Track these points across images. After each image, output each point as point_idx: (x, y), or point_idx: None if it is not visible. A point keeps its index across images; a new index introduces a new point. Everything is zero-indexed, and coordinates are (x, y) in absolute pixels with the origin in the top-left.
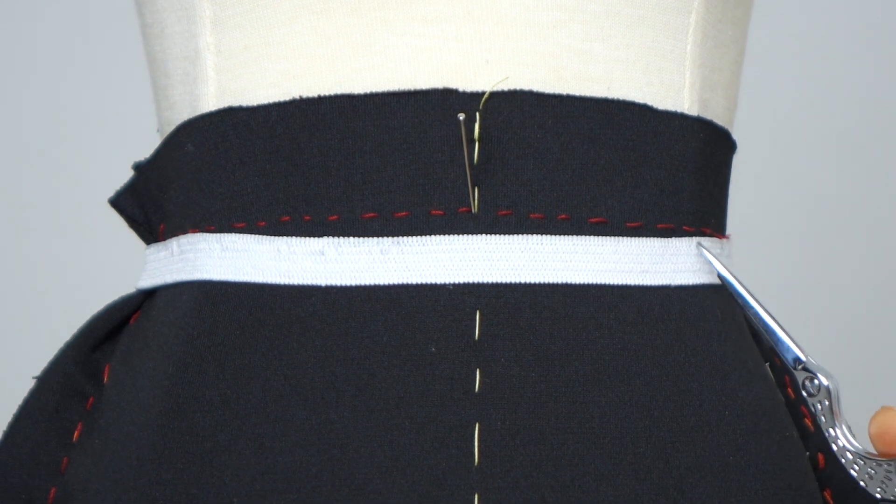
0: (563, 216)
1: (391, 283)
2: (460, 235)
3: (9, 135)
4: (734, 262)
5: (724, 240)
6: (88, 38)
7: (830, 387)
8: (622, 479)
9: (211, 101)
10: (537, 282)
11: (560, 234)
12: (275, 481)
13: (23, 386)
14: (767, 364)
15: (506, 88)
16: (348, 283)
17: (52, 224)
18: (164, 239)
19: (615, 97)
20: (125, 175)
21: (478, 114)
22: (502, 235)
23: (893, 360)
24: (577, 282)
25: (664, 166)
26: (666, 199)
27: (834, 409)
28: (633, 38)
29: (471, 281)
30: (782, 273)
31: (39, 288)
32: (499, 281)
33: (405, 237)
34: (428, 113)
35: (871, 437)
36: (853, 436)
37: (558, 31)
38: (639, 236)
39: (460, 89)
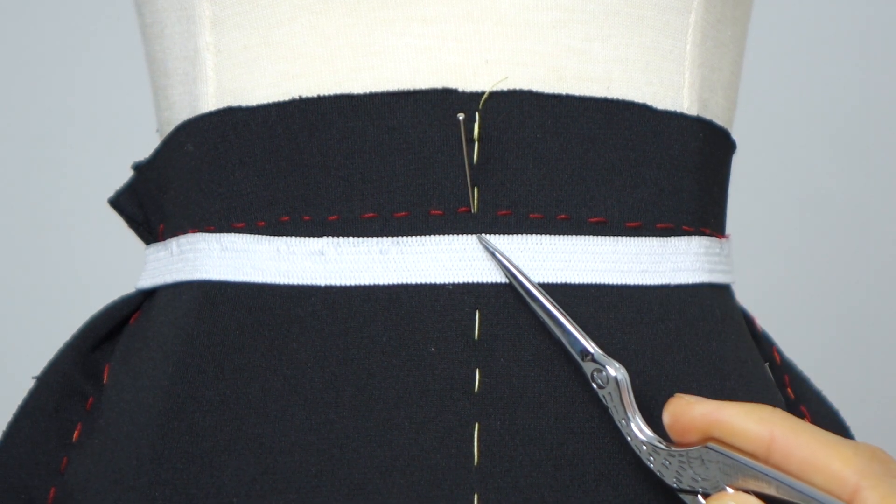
0: (563, 216)
1: (391, 283)
2: (460, 235)
3: (9, 135)
4: (734, 262)
5: (724, 239)
6: (88, 38)
7: (619, 377)
8: (622, 479)
9: (210, 101)
10: (537, 282)
11: (559, 234)
12: (274, 481)
13: (23, 386)
14: (767, 364)
15: (505, 88)
16: (348, 283)
17: (53, 224)
18: (163, 239)
19: (615, 97)
20: (125, 175)
21: (477, 114)
22: (502, 235)
23: (893, 359)
24: (577, 282)
25: (664, 166)
26: (665, 199)
27: (624, 399)
28: (632, 38)
29: (470, 281)
30: (782, 273)
31: (39, 288)
32: (498, 281)
33: (405, 237)
34: (427, 113)
35: (666, 428)
36: (647, 426)
37: (558, 31)
38: (638, 236)
39: (460, 89)
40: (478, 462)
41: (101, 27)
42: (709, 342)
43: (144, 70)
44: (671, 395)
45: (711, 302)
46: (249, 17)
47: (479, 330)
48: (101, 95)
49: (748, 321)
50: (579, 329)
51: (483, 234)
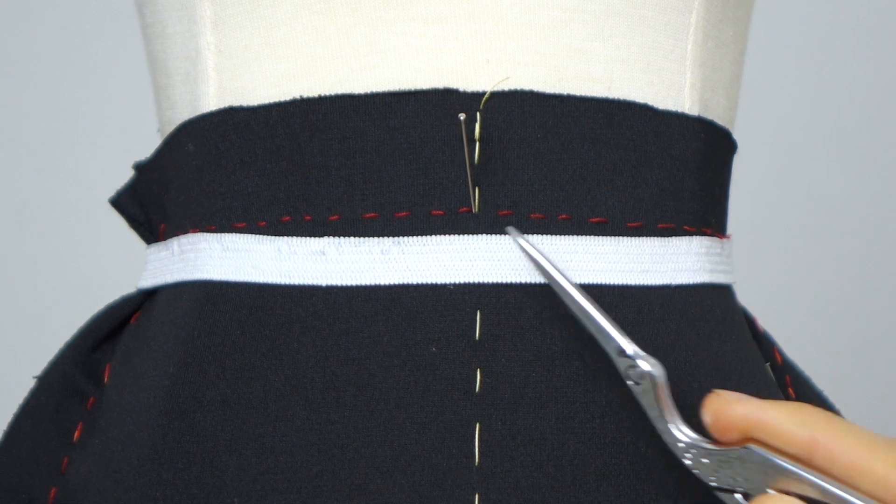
0: (564, 216)
1: (392, 283)
2: (461, 235)
3: (9, 135)
4: (735, 262)
5: (725, 239)
6: (89, 38)
7: (655, 374)
8: (623, 479)
9: (211, 100)
10: (538, 282)
11: (560, 234)
12: (275, 481)
13: (23, 386)
14: (768, 364)
15: (506, 88)
16: (349, 283)
17: (53, 224)
18: (164, 239)
19: (616, 97)
20: (126, 175)
21: (478, 114)
22: (503, 235)
23: (893, 359)
24: (578, 282)
25: (665, 166)
26: (667, 199)
27: (660, 397)
28: (633, 38)
29: (471, 281)
30: (782, 272)
31: (39, 288)
32: (499, 281)
33: (406, 237)
34: (428, 113)
35: (706, 426)
36: (685, 424)
37: (559, 31)
38: (639, 236)
39: (461, 89)
40: (479, 462)
41: (102, 27)
42: (710, 342)
43: (145, 70)
44: (673, 394)
45: (712, 302)
46: (251, 16)
47: (480, 330)
48: (102, 95)
49: (749, 321)
50: (615, 324)
51: (510, 228)
